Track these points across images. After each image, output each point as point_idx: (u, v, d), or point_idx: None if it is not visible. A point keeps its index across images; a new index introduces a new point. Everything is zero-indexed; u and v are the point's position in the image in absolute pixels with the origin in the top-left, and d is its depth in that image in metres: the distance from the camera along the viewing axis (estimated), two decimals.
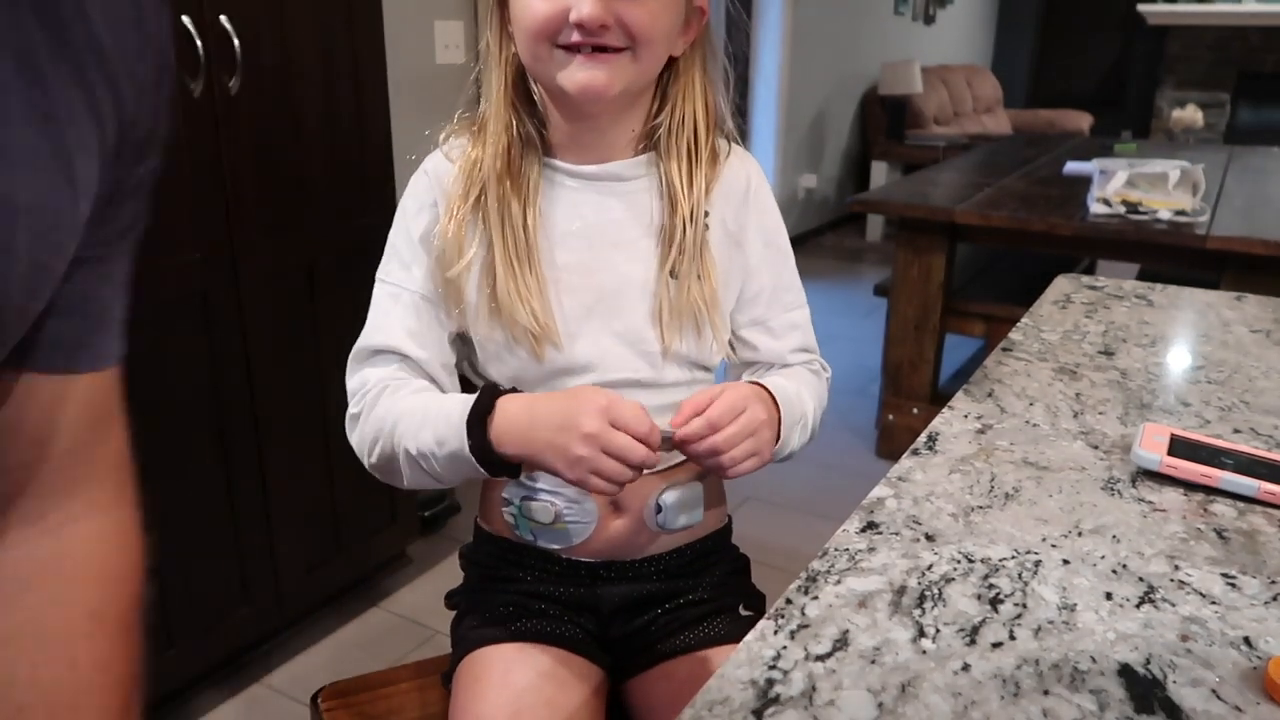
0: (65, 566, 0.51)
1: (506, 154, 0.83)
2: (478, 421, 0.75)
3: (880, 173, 5.49)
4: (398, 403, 0.81)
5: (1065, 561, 0.61)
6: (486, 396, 0.77)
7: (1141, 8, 6.37)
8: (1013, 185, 2.75)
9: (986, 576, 0.59)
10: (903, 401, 2.60)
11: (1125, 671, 0.50)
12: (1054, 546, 0.62)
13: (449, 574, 1.57)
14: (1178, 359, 1.02)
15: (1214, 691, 0.49)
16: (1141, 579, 0.59)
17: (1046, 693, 0.49)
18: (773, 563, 1.34)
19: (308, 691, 0.97)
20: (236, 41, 1.42)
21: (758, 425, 0.76)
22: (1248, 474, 0.69)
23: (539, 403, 0.77)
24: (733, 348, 0.94)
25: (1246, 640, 0.53)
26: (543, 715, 0.81)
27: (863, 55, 5.74)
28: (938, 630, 0.53)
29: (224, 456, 1.55)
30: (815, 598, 0.56)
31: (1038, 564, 0.60)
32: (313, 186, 1.62)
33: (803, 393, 0.88)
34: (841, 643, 0.52)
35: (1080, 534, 0.64)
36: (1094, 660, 0.51)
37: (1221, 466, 0.70)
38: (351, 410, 0.85)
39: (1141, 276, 2.20)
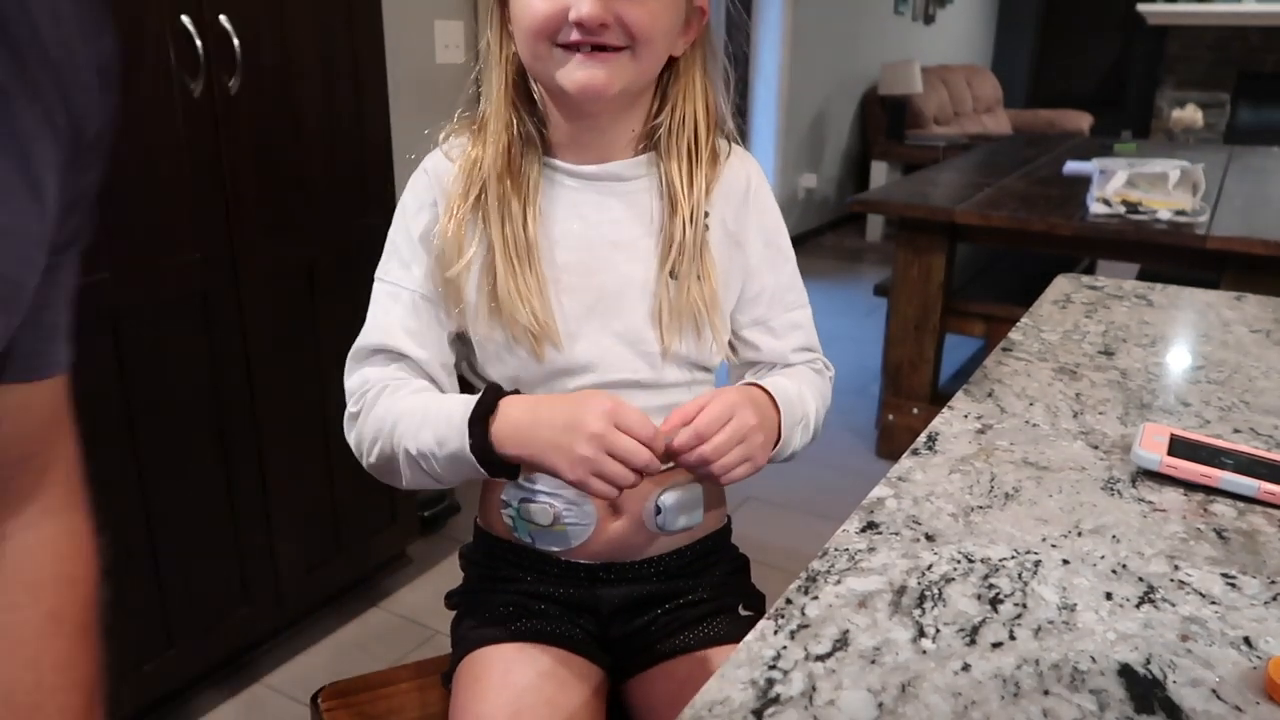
0: (23, 570, 0.52)
1: (506, 153, 0.83)
2: (479, 420, 0.75)
3: (880, 173, 5.49)
4: (398, 402, 0.81)
5: (1065, 561, 0.61)
6: (490, 396, 0.77)
7: (1141, 8, 6.37)
8: (1013, 185, 2.75)
9: (986, 576, 0.59)
10: (903, 401, 2.60)
11: (1125, 671, 0.50)
12: (1054, 546, 0.62)
13: (449, 574, 1.57)
14: (1178, 359, 1.02)
15: (1214, 691, 0.49)
16: (1141, 579, 0.59)
17: (1046, 693, 0.49)
18: (773, 563, 1.34)
19: (308, 691, 0.97)
20: (236, 41, 1.42)
21: (747, 431, 0.76)
22: (1248, 474, 0.69)
23: (542, 404, 0.77)
24: (734, 348, 0.94)
25: (1246, 640, 0.53)
26: (543, 715, 0.81)
27: (863, 55, 5.74)
28: (938, 630, 0.53)
29: (224, 456, 1.55)
30: (815, 598, 0.56)
31: (1038, 564, 0.60)
32: (313, 186, 1.62)
33: (805, 392, 0.88)
34: (841, 643, 0.52)
35: (1080, 534, 0.64)
36: (1094, 660, 0.51)
37: (1221, 466, 0.70)
38: (350, 409, 0.84)
39: (1141, 276, 2.20)
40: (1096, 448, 0.77)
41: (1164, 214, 2.22)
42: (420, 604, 1.95)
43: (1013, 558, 0.61)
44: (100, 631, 0.55)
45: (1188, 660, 0.51)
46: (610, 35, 0.75)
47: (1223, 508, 0.68)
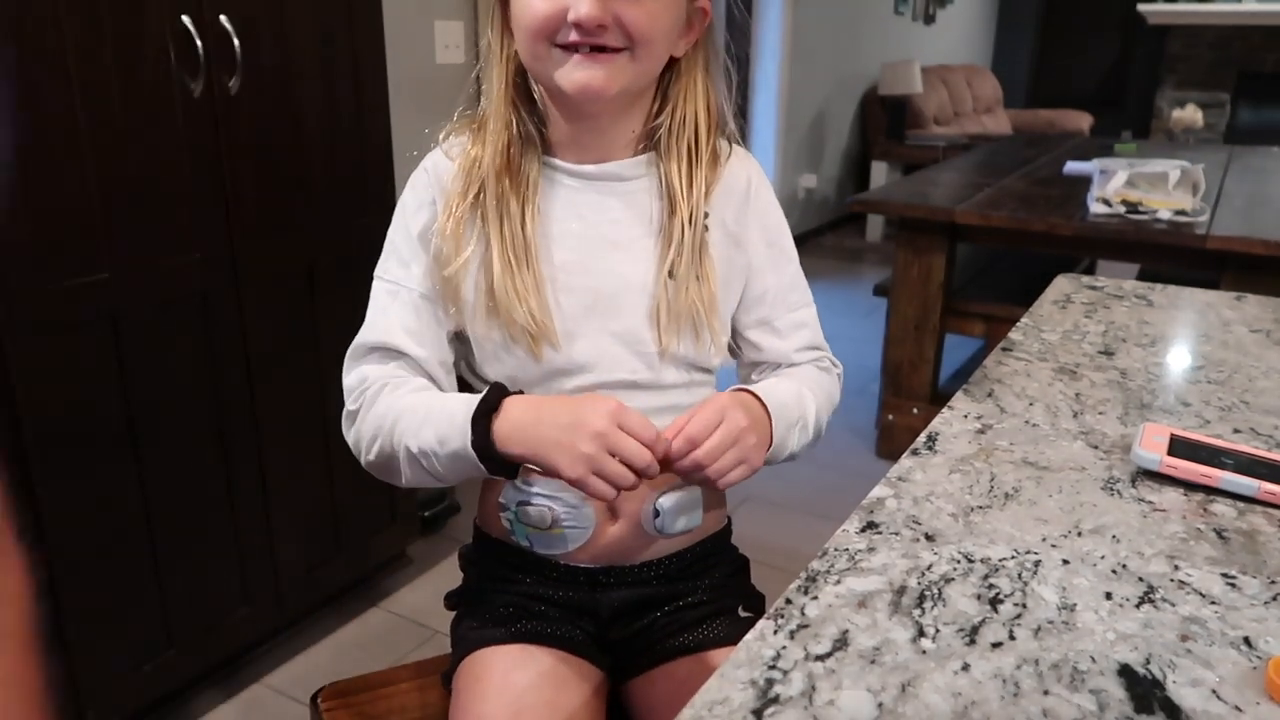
0: None
1: (506, 152, 0.83)
2: (482, 417, 0.75)
3: (880, 173, 5.49)
4: (398, 400, 0.81)
5: (1065, 561, 0.61)
6: (494, 394, 0.77)
7: (1141, 8, 6.37)
8: (1013, 185, 2.75)
9: (986, 576, 0.59)
10: (903, 401, 2.60)
11: (1125, 671, 0.50)
12: (1054, 546, 0.62)
13: (449, 574, 1.57)
14: (1178, 359, 1.02)
15: (1214, 691, 0.49)
16: (1141, 579, 0.59)
17: (1046, 693, 0.49)
18: (773, 563, 1.34)
19: (308, 691, 0.97)
20: (236, 41, 1.42)
21: (739, 433, 0.76)
22: (1248, 474, 0.69)
23: (546, 403, 0.77)
24: (739, 349, 0.94)
25: (1246, 640, 0.53)
26: (543, 716, 0.81)
27: (863, 55, 5.74)
28: (938, 630, 0.53)
29: (224, 456, 1.55)
30: (815, 598, 0.56)
31: (1038, 564, 0.60)
32: (313, 186, 1.62)
33: (804, 393, 0.88)
34: (841, 643, 0.52)
35: (1080, 534, 0.64)
36: (1094, 660, 0.51)
37: (1221, 466, 0.70)
38: (349, 407, 0.84)
39: (1141, 276, 2.20)
40: (1096, 448, 0.77)
41: (1164, 214, 2.22)
42: (420, 604, 1.95)
43: (1013, 558, 0.61)
44: (42, 646, 0.55)
45: (1188, 660, 0.51)
46: (609, 36, 0.75)
47: (1223, 508, 0.68)
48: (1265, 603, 0.57)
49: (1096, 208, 2.29)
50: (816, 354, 0.94)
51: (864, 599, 0.56)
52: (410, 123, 1.86)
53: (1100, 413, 0.85)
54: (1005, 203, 2.46)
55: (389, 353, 0.84)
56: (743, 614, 0.91)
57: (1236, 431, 0.82)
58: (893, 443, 2.61)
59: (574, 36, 0.75)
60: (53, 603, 1.34)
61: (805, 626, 0.54)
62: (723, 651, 0.86)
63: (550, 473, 0.74)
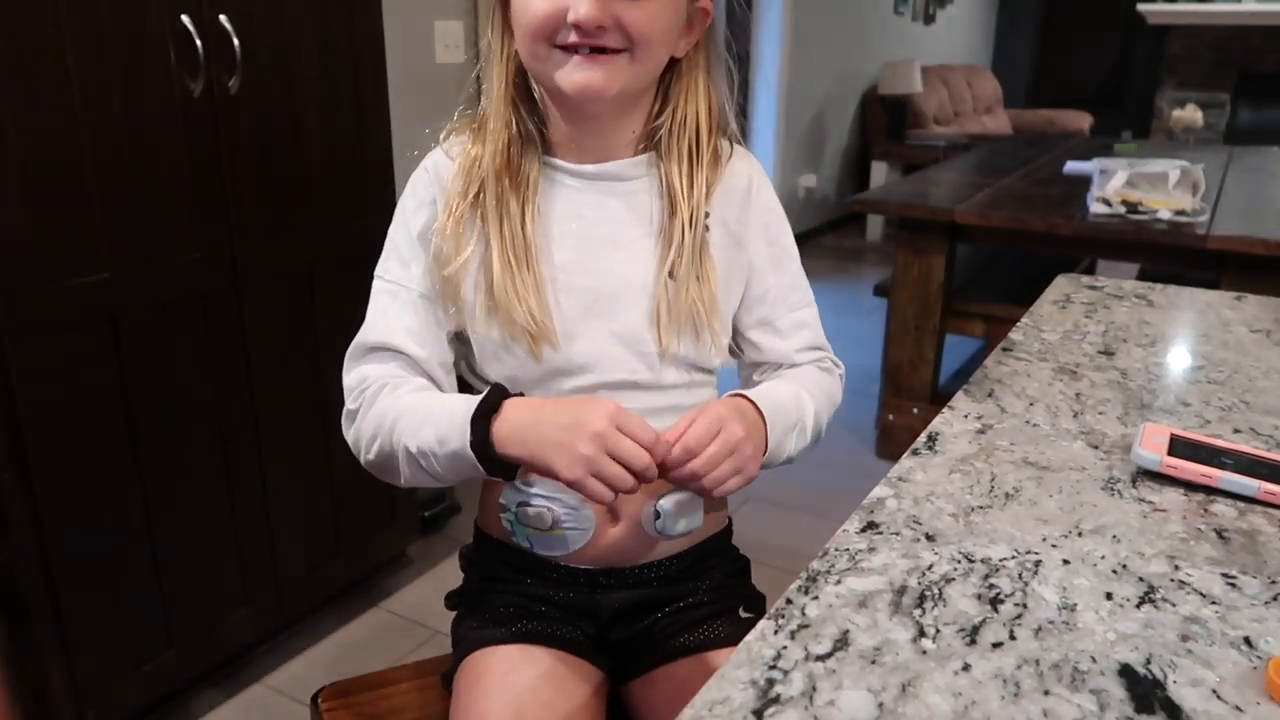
0: None
1: (506, 151, 0.82)
2: (482, 417, 0.75)
3: (880, 173, 5.49)
4: (398, 400, 0.81)
5: (1065, 561, 0.61)
6: (494, 395, 0.77)
7: (1141, 8, 6.37)
8: (1013, 185, 2.75)
9: (986, 576, 0.59)
10: (903, 401, 2.60)
11: (1125, 671, 0.50)
12: (1054, 546, 0.62)
13: (449, 574, 1.57)
14: (1178, 359, 1.02)
15: (1214, 691, 0.49)
16: (1141, 579, 0.59)
17: (1046, 693, 0.49)
18: (773, 563, 1.34)
19: (308, 691, 0.97)
20: (236, 41, 1.42)
21: (736, 443, 0.76)
22: (1248, 474, 0.69)
23: (546, 405, 0.77)
24: (740, 349, 0.94)
25: (1246, 640, 0.53)
26: (543, 716, 0.81)
27: (863, 55, 5.74)
28: (938, 630, 0.53)
29: (224, 456, 1.55)
30: (815, 598, 0.56)
31: (1038, 564, 0.60)
32: (313, 186, 1.62)
33: (802, 395, 0.88)
34: (841, 643, 0.52)
35: (1080, 534, 0.64)
36: (1094, 660, 0.51)
37: (1221, 466, 0.70)
38: (349, 406, 0.84)
39: (1141, 276, 2.20)
40: (1096, 448, 0.77)
41: (1164, 214, 2.22)
42: (420, 604, 1.95)
43: (1013, 558, 0.61)
44: None
45: (1188, 660, 0.51)
46: (609, 37, 0.75)
47: (1223, 508, 0.68)
48: (1265, 603, 0.57)
49: (1096, 208, 2.29)
50: (818, 354, 0.94)
51: (864, 599, 0.56)
52: (410, 123, 1.86)
53: (1100, 413, 0.85)
54: (1005, 203, 2.46)
55: (389, 353, 0.84)
56: (743, 614, 0.91)
57: (1236, 431, 0.82)
58: (893, 443, 2.61)
59: (573, 37, 0.75)
60: (53, 602, 1.34)
61: (806, 626, 0.54)
62: (723, 652, 0.86)
63: (548, 474, 0.74)
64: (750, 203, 0.89)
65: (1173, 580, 0.59)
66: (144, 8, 1.31)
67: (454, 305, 0.84)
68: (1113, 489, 0.71)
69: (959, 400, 0.88)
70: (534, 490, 0.84)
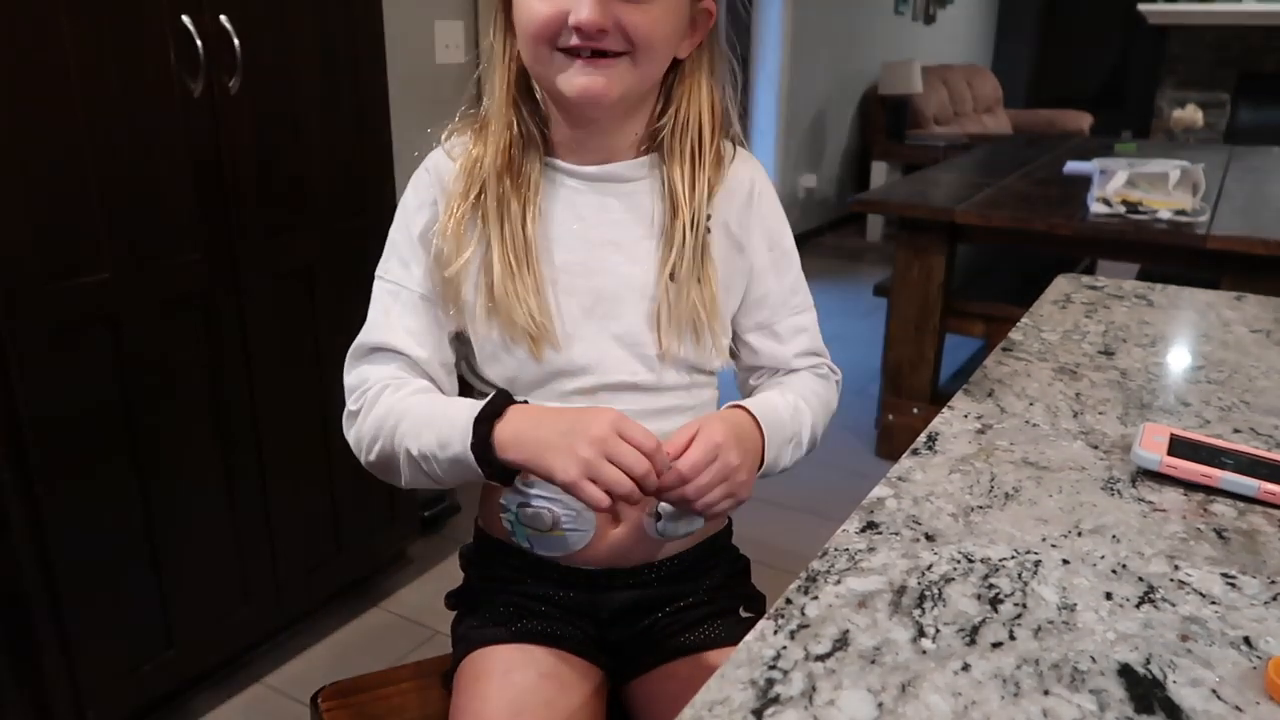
0: None
1: (507, 152, 0.82)
2: (485, 421, 0.75)
3: (880, 173, 5.49)
4: (400, 402, 0.81)
5: (1065, 561, 0.61)
6: (499, 399, 0.77)
7: (1141, 7, 6.37)
8: (1013, 185, 2.75)
9: (986, 576, 0.59)
10: (903, 401, 2.60)
11: (1125, 671, 0.50)
12: (1054, 546, 0.62)
13: (449, 574, 1.57)
14: (1178, 359, 1.02)
15: (1214, 691, 0.49)
16: (1141, 579, 0.59)
17: (1046, 693, 0.49)
18: (773, 563, 1.34)
19: (308, 691, 0.97)
20: (236, 41, 1.42)
21: (730, 471, 0.76)
22: (1248, 474, 0.69)
23: (550, 411, 0.77)
24: (738, 352, 0.94)
25: (1246, 640, 0.53)
26: (543, 716, 0.81)
27: (863, 55, 5.74)
28: (938, 630, 0.53)
29: (224, 456, 1.55)
30: (815, 598, 0.56)
31: (1038, 564, 0.60)
32: (313, 186, 1.62)
33: (800, 405, 0.88)
34: (841, 643, 0.52)
35: (1080, 534, 0.64)
36: (1094, 660, 0.51)
37: (1221, 466, 0.70)
38: (350, 407, 0.84)
39: (1141, 276, 2.20)
40: (1096, 448, 0.77)
41: (1164, 214, 2.22)
42: (420, 604, 1.95)
43: (1013, 558, 0.61)
44: None
45: (1188, 660, 0.51)
46: (610, 41, 0.75)
47: (1223, 508, 0.68)
48: (1265, 603, 0.57)
49: (1096, 208, 2.29)
50: (815, 360, 0.94)
51: (864, 599, 0.56)
52: (410, 123, 1.86)
53: (1100, 413, 0.85)
54: (1005, 203, 2.46)
55: (390, 353, 0.84)
56: (743, 614, 0.91)
57: (1236, 431, 0.82)
58: (893, 443, 2.61)
59: (575, 40, 0.75)
60: (53, 603, 1.34)
61: (805, 626, 0.54)
62: (723, 652, 0.86)
63: (546, 477, 0.73)
64: (752, 206, 0.89)
65: (1172, 580, 0.59)
66: (144, 8, 1.31)
67: (454, 306, 0.84)
68: (1112, 489, 0.71)
69: (959, 400, 0.88)
70: (534, 491, 0.84)
